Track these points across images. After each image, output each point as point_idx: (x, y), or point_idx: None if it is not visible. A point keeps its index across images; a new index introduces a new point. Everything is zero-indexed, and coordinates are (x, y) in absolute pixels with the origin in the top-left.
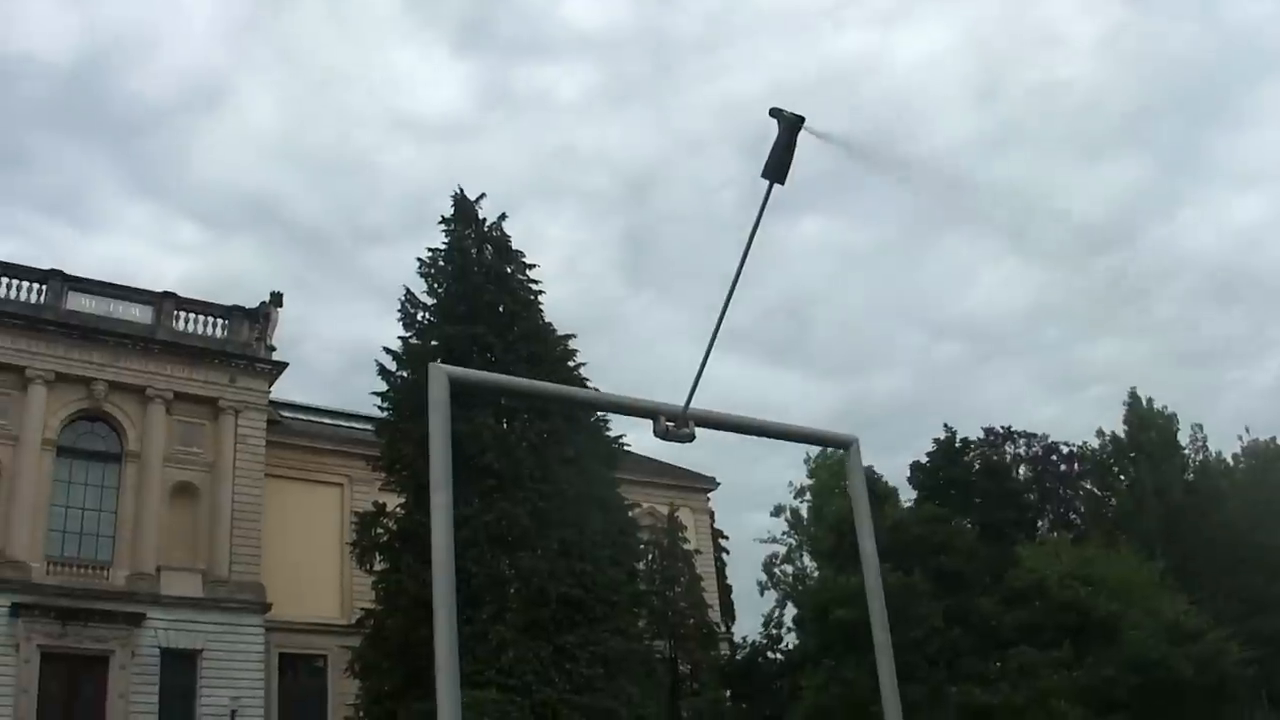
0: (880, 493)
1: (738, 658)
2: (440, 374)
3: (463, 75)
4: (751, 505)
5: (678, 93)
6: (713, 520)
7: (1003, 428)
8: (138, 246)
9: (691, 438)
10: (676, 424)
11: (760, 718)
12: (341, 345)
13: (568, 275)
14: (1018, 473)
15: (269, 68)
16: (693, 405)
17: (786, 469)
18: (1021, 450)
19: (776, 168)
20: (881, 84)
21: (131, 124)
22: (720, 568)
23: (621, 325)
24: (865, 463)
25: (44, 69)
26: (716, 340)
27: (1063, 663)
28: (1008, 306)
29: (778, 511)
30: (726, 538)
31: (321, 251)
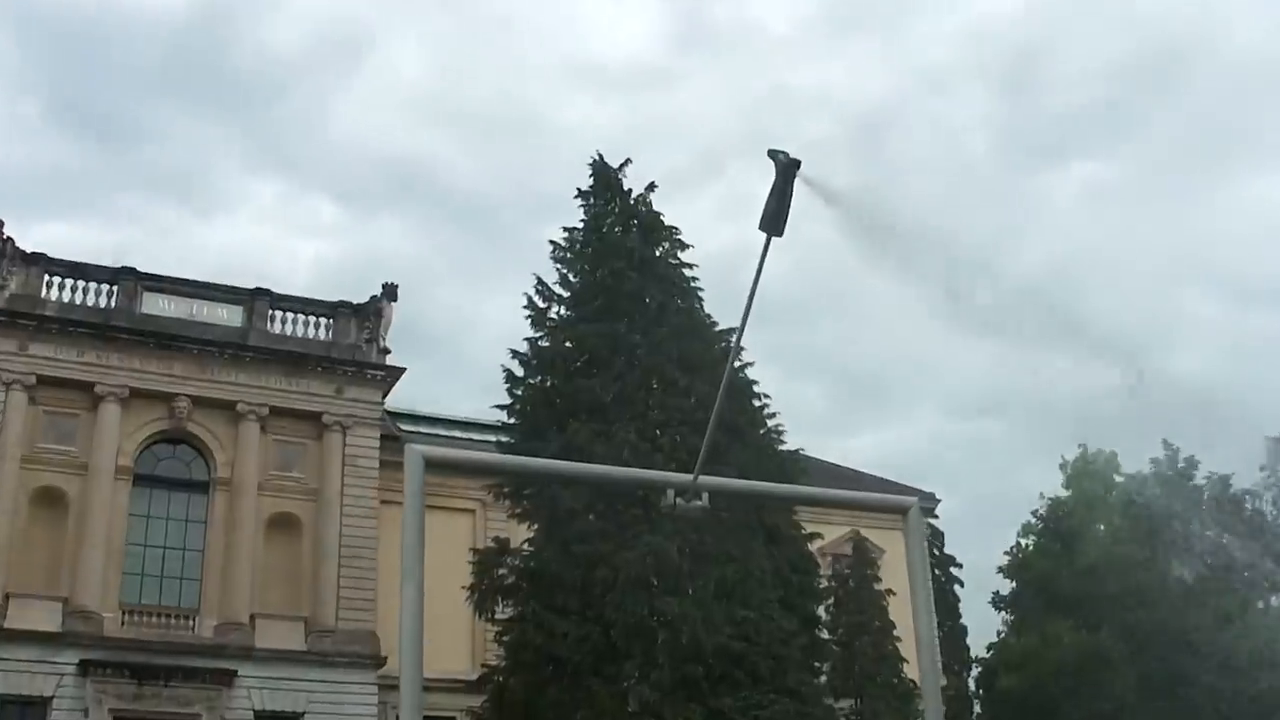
0: (1070, 530)
1: None
2: (415, 456)
3: (653, 12)
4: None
5: (914, 19)
6: (936, 546)
7: None
8: (265, 230)
9: (703, 510)
10: (686, 496)
11: None
12: (511, 337)
13: (790, 243)
14: None
15: (419, 12)
16: (703, 478)
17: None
18: None
19: (773, 219)
20: None
21: (256, 86)
22: (952, 602)
23: (854, 301)
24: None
25: (152, 27)
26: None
27: None
28: None
29: (1025, 532)
30: (959, 565)
31: (485, 228)
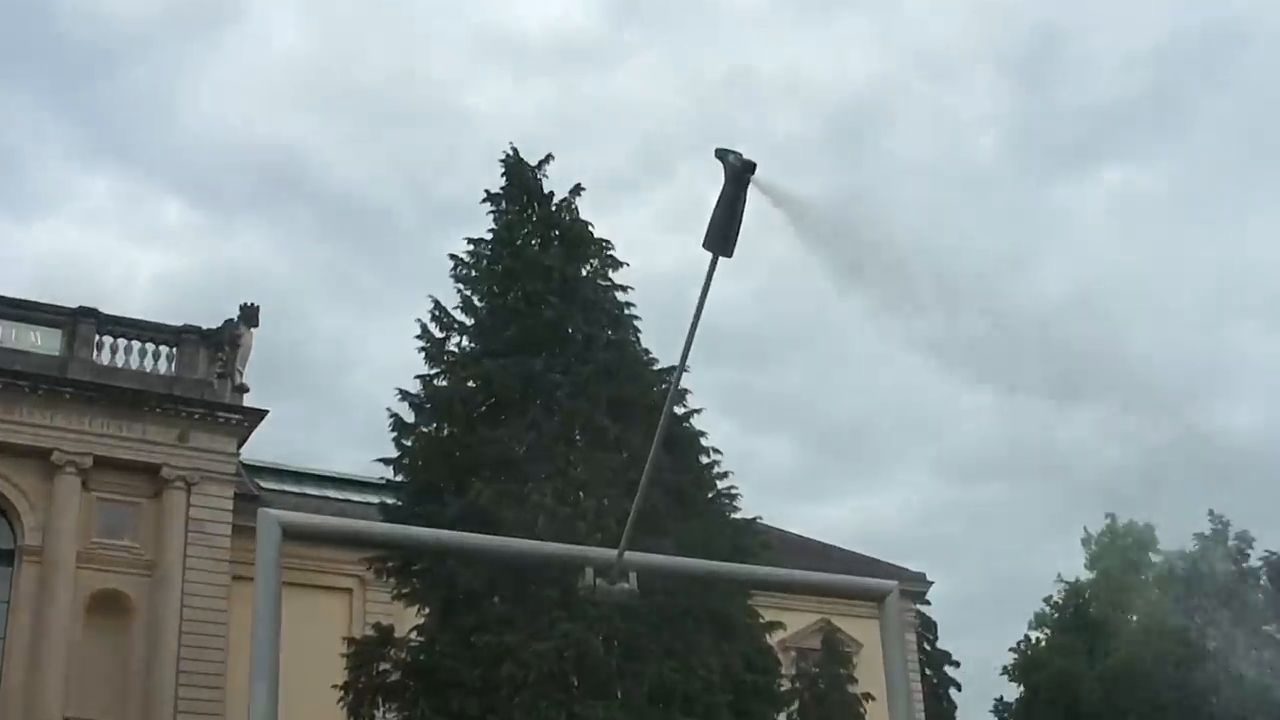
0: (1094, 620)
1: None
2: (270, 522)
3: None
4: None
5: None
6: (927, 639)
7: None
8: (96, 235)
9: (629, 594)
10: (609, 576)
11: None
12: (401, 375)
13: (750, 266)
14: None
15: None
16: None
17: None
18: None
19: (721, 235)
20: None
21: (88, 58)
22: (947, 710)
23: (829, 339)
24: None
25: None
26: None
27: None
28: None
29: (1038, 623)
30: (956, 664)
31: (373, 238)
